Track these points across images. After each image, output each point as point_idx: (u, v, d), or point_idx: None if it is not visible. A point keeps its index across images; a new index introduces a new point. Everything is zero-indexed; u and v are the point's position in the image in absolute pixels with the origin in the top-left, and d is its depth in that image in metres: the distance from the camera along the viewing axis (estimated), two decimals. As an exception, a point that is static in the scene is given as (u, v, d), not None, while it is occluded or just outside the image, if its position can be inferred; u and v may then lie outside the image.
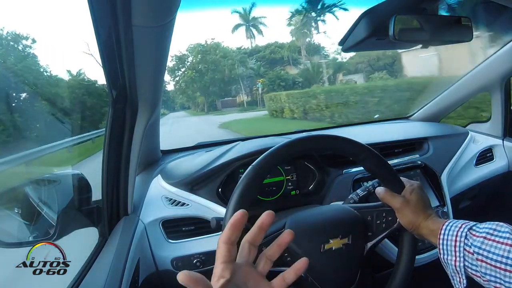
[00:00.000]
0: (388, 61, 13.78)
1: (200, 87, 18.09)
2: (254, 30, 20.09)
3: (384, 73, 13.37)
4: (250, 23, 19.95)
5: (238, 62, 18.02)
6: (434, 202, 0.92)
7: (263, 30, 20.15)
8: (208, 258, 0.77)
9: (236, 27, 19.95)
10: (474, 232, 0.46)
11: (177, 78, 18.81)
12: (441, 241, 0.48)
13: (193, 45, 18.68)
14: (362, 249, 0.55)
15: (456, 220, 0.49)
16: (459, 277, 0.46)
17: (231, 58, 18.23)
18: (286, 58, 18.25)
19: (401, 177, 0.58)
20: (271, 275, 0.35)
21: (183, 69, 18.60)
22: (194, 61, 18.39)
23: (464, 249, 0.45)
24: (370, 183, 0.80)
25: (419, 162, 0.97)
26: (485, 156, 1.17)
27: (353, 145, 0.54)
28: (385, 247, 0.80)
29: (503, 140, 1.20)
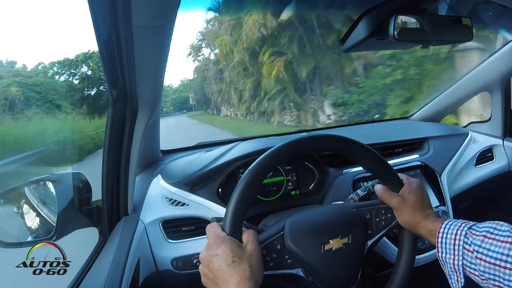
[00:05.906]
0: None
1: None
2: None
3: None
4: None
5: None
6: (435, 202, 0.92)
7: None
8: None
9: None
10: (473, 231, 0.45)
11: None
12: (439, 239, 0.48)
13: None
14: (363, 248, 0.55)
15: (456, 220, 0.49)
16: (457, 276, 0.46)
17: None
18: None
19: (400, 174, 0.58)
20: (271, 278, 0.34)
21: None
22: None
23: (464, 247, 0.45)
24: (370, 183, 0.80)
25: (419, 162, 0.97)
26: (485, 156, 1.17)
27: (350, 143, 0.54)
28: (385, 247, 0.80)
29: (503, 140, 1.20)
